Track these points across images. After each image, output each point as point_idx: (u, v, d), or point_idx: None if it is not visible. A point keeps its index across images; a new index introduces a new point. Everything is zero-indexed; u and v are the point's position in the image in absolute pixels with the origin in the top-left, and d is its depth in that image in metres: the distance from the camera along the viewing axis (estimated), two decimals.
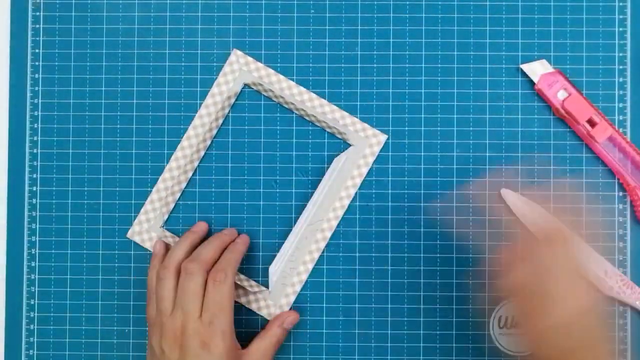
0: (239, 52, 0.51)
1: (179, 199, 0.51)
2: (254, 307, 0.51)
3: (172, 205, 0.51)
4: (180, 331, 0.44)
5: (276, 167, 0.52)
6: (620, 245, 0.51)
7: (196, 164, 0.51)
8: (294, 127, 0.51)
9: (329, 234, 0.51)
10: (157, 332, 0.46)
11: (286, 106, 0.51)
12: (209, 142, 0.51)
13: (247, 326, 0.51)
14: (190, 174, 0.51)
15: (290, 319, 0.49)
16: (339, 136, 0.51)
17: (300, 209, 0.51)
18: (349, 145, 0.51)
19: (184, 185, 0.51)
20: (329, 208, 0.50)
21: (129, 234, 0.51)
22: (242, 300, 0.51)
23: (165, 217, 0.51)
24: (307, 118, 0.51)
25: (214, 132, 0.51)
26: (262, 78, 0.51)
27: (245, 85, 0.51)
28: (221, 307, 0.45)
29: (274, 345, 0.48)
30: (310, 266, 0.51)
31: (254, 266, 0.51)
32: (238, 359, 0.46)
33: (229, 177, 0.51)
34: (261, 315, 0.51)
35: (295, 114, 0.51)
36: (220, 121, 0.51)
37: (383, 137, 0.51)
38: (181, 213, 0.51)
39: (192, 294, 0.45)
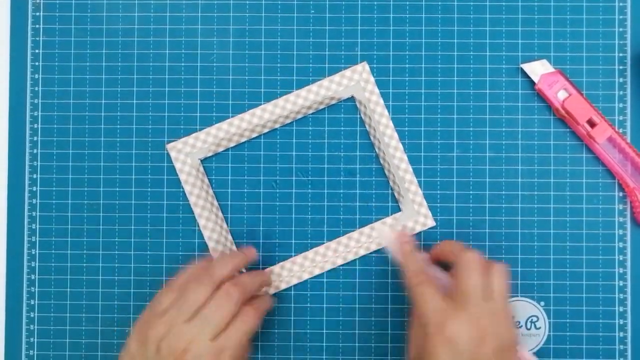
0: (367, 68, 0.51)
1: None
2: None
3: (220, 149, 0.51)
4: (188, 346, 0.42)
5: (276, 167, 0.52)
6: (620, 246, 0.51)
7: (260, 131, 0.51)
8: (294, 127, 0.51)
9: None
10: (160, 326, 0.42)
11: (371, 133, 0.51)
12: (284, 122, 0.51)
13: None
14: (249, 136, 0.51)
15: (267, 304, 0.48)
16: (395, 194, 0.51)
17: (300, 209, 0.51)
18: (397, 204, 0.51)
19: (232, 144, 0.51)
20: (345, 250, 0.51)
21: (169, 146, 0.50)
22: None
23: (209, 154, 0.51)
24: (380, 157, 0.51)
25: (291, 118, 0.51)
26: (374, 111, 0.50)
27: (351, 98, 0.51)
28: (237, 344, 0.43)
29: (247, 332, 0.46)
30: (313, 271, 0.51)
31: (254, 267, 0.51)
32: None
33: (229, 177, 0.51)
34: None
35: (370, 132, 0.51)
36: (309, 112, 0.51)
37: (430, 223, 0.51)
38: (181, 213, 0.51)
39: (222, 318, 0.43)
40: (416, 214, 0.50)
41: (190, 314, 0.43)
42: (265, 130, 0.51)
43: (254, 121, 0.50)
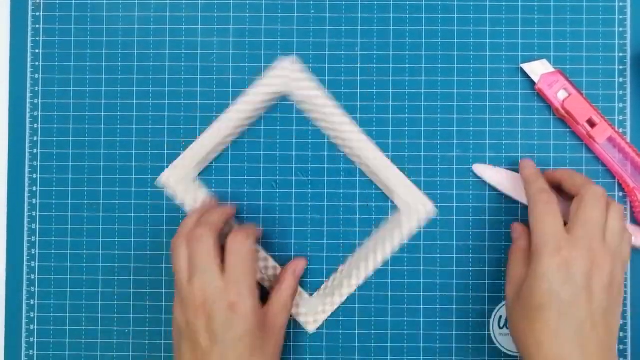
0: (296, 61, 0.51)
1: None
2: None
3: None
4: (202, 297, 0.42)
5: (276, 167, 0.52)
6: None
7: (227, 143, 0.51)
8: (294, 127, 0.51)
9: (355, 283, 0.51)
10: (177, 307, 0.44)
11: (319, 124, 0.51)
12: (239, 131, 0.51)
13: None
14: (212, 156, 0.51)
15: (301, 265, 0.49)
16: (380, 187, 0.51)
17: (300, 209, 0.51)
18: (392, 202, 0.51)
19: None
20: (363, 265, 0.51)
21: (163, 179, 0.51)
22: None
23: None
24: (338, 143, 0.51)
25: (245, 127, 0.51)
26: (310, 98, 0.50)
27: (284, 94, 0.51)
28: (245, 264, 0.44)
29: (292, 295, 0.48)
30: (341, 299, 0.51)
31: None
32: (263, 317, 0.44)
33: (229, 178, 0.51)
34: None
35: (327, 134, 0.51)
36: (252, 121, 0.51)
37: (430, 207, 0.51)
38: (181, 214, 0.51)
39: (206, 254, 0.43)
40: (414, 203, 0.50)
41: (187, 277, 0.44)
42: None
43: (230, 125, 0.50)
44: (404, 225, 0.50)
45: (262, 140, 0.52)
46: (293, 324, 0.51)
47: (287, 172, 0.52)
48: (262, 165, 0.52)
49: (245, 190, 0.52)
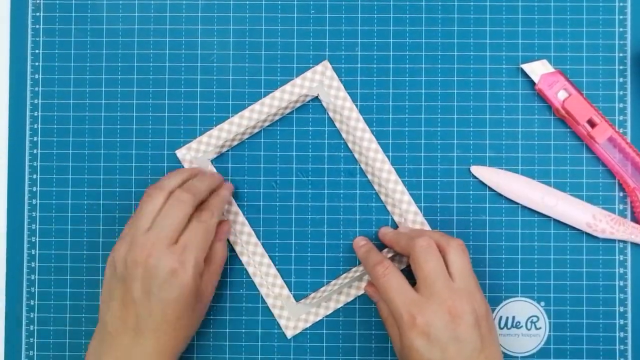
0: (329, 66, 0.51)
1: None
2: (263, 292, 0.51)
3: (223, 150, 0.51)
4: (149, 251, 0.43)
5: (276, 167, 0.52)
6: (621, 246, 0.51)
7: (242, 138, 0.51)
8: (294, 127, 0.51)
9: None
10: (123, 245, 0.44)
11: (347, 139, 0.51)
12: (254, 131, 0.51)
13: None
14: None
15: (226, 229, 0.49)
16: (388, 207, 0.51)
17: (300, 209, 0.51)
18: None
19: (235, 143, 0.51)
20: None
21: (179, 153, 0.51)
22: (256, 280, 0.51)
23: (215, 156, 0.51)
24: (362, 164, 0.51)
25: (266, 123, 0.51)
26: (343, 109, 0.50)
27: (316, 97, 0.51)
28: (198, 243, 0.44)
29: (223, 263, 0.48)
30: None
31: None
32: (198, 285, 0.45)
33: (229, 178, 0.51)
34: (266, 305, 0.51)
35: (350, 146, 0.51)
36: (276, 117, 0.51)
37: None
38: None
39: (177, 220, 0.44)
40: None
41: (147, 225, 0.44)
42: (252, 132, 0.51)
43: (254, 117, 0.50)
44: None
45: (262, 140, 0.52)
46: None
47: (287, 172, 0.51)
48: (262, 165, 0.52)
49: (245, 190, 0.52)
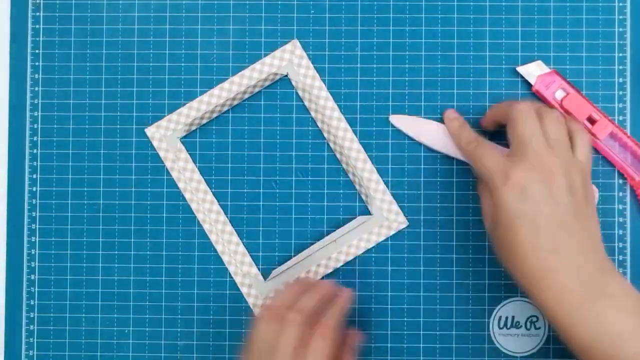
0: (298, 45, 0.51)
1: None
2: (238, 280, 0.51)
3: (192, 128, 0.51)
4: None
5: (276, 167, 0.52)
6: (620, 246, 0.51)
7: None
8: (294, 127, 0.51)
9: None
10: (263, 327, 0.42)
11: (315, 118, 0.51)
12: (224, 109, 0.51)
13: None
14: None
15: (345, 303, 0.46)
16: (362, 196, 0.51)
17: (300, 209, 0.51)
18: (365, 206, 0.51)
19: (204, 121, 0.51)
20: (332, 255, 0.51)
21: (149, 131, 0.51)
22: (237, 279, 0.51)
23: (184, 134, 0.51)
24: (332, 145, 0.51)
25: (234, 102, 0.51)
26: (312, 88, 0.50)
27: (285, 76, 0.51)
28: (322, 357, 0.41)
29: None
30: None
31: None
32: None
33: (229, 178, 0.51)
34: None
35: (320, 126, 0.51)
36: (245, 96, 0.51)
37: (403, 223, 0.51)
38: (181, 213, 0.51)
39: (292, 348, 0.41)
40: (386, 216, 0.50)
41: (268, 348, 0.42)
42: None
43: (223, 95, 0.51)
44: (373, 232, 0.50)
45: (262, 140, 0.52)
46: None
47: (287, 172, 0.52)
48: (262, 165, 0.52)
49: (245, 190, 0.52)
